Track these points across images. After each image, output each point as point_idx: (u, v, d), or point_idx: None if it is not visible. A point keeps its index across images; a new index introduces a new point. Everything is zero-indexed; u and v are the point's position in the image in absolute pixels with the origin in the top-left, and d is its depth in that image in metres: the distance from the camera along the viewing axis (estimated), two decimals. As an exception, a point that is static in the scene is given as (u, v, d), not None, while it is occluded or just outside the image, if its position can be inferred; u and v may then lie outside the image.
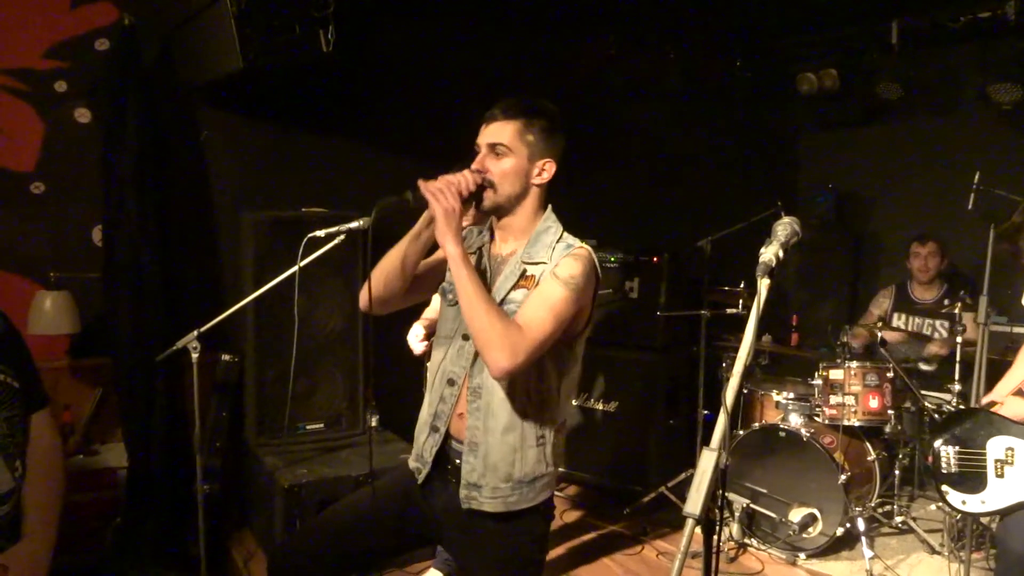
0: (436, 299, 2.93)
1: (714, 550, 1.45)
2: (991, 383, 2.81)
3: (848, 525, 3.37)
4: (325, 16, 3.02)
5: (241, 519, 3.58)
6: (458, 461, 1.81)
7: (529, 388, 1.77)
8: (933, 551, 3.51)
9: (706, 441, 1.36)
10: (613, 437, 4.17)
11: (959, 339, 3.49)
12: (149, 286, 3.26)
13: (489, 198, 1.79)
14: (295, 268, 2.63)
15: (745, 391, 4.01)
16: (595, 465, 4.21)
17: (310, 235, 2.59)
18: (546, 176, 1.82)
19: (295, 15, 3.00)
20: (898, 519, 3.73)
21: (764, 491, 3.49)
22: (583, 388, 4.22)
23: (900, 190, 5.20)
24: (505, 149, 1.77)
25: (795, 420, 3.66)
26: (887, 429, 3.63)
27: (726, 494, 3.44)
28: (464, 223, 2.68)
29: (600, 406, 4.20)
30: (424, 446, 1.88)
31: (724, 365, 4.18)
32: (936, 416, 3.78)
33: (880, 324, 3.86)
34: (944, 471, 2.58)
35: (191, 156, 3.62)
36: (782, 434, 3.52)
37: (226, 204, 3.68)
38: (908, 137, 5.12)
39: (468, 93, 3.80)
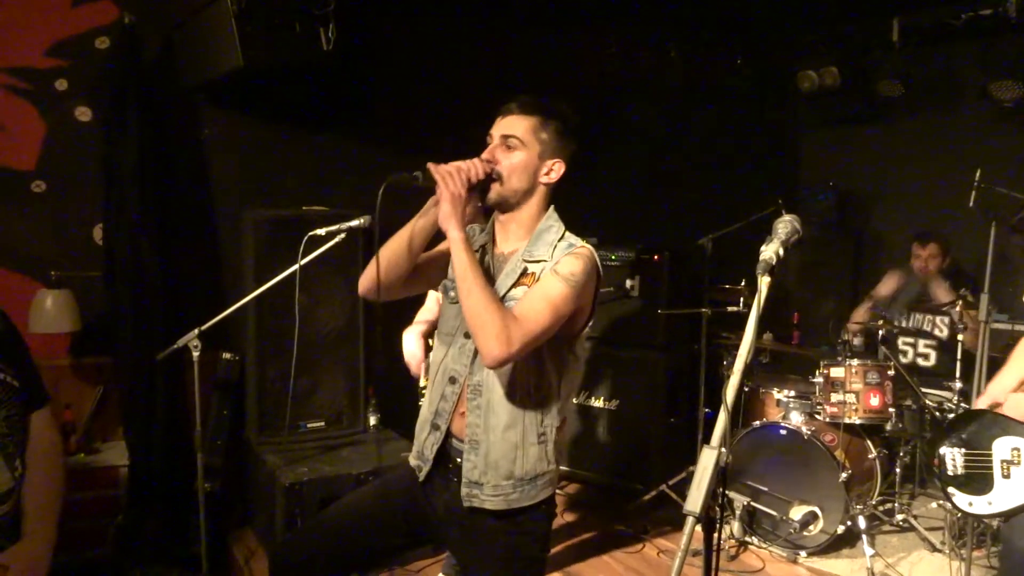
0: (430, 300, 2.94)
1: (715, 548, 1.45)
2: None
3: (849, 523, 3.37)
4: (325, 14, 3.02)
5: (242, 517, 3.58)
6: (459, 459, 1.81)
7: (529, 386, 1.77)
8: (934, 549, 3.51)
9: (707, 439, 1.36)
10: (614, 435, 4.17)
11: (960, 337, 3.48)
12: (150, 284, 3.27)
13: (495, 190, 1.79)
14: (296, 266, 2.64)
15: (746, 389, 4.01)
16: (596, 463, 4.21)
17: (311, 233, 2.61)
18: (554, 176, 1.82)
19: (295, 13, 3.00)
20: (899, 517, 3.73)
21: (765, 489, 3.49)
22: (584, 386, 4.22)
23: (901, 188, 5.20)
24: (517, 142, 1.77)
25: (796, 418, 3.66)
26: (888, 427, 3.63)
27: (727, 492, 3.45)
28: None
29: (601, 404, 4.20)
30: (425, 444, 1.88)
31: (725, 363, 4.18)
32: (937, 414, 3.78)
33: (881, 322, 3.85)
34: (950, 473, 2.58)
35: (192, 154, 3.62)
36: (783, 432, 3.52)
37: (227, 202, 3.68)
38: (909, 135, 5.11)
39: (468, 91, 3.81)
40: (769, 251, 1.48)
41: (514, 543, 1.80)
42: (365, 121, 3.97)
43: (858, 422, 3.56)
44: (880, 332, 3.80)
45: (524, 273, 1.79)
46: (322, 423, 3.57)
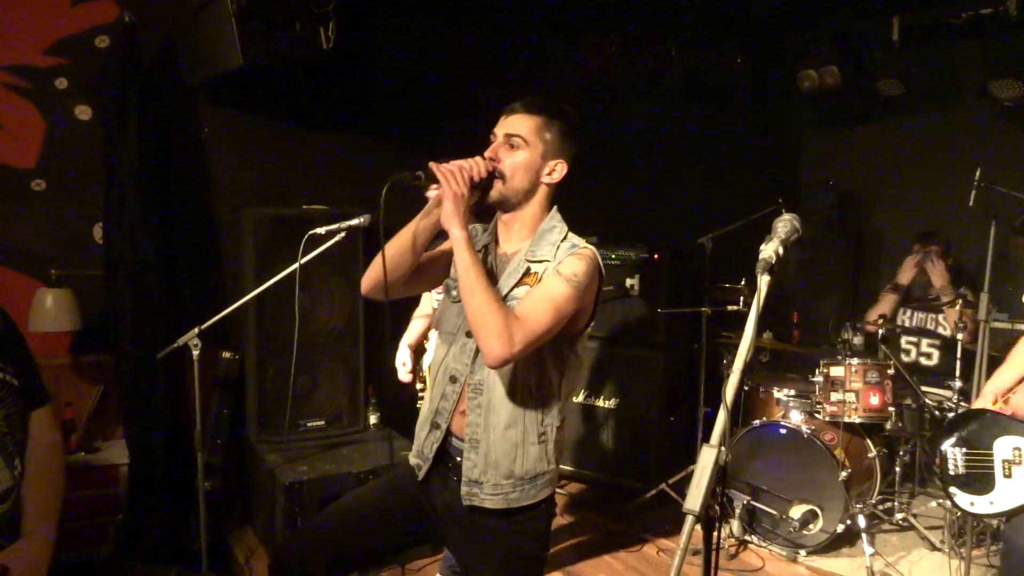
0: (425, 303, 2.95)
1: (714, 547, 1.45)
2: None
3: (849, 522, 3.37)
4: (325, 13, 3.02)
5: (242, 516, 3.58)
6: (459, 458, 1.81)
7: (530, 385, 1.77)
8: (934, 548, 3.51)
9: (706, 438, 1.36)
10: (614, 434, 4.17)
11: (959, 336, 3.48)
12: (150, 283, 3.27)
13: (498, 189, 1.78)
14: (296, 265, 2.64)
15: (746, 388, 4.01)
16: (596, 462, 4.21)
17: (311, 232, 2.60)
18: (556, 176, 1.82)
19: (295, 12, 2.99)
20: (899, 516, 3.73)
21: (764, 488, 3.49)
22: (584, 385, 4.22)
23: (901, 187, 5.19)
24: (521, 141, 1.77)
25: (796, 417, 3.66)
26: (888, 426, 3.63)
27: (726, 491, 3.45)
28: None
29: (601, 403, 4.20)
30: (425, 443, 1.88)
31: (725, 362, 4.18)
32: (937, 413, 3.77)
33: (881, 320, 3.85)
34: (952, 473, 2.56)
35: (192, 153, 3.62)
36: (783, 431, 3.52)
37: (227, 201, 3.68)
38: (909, 134, 5.11)
39: (468, 90, 3.81)
40: (769, 250, 1.48)
41: (514, 542, 1.80)
42: (365, 120, 3.97)
43: (858, 421, 3.55)
44: (880, 331, 3.80)
45: (527, 273, 1.79)
46: (322, 422, 3.57)
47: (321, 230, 2.65)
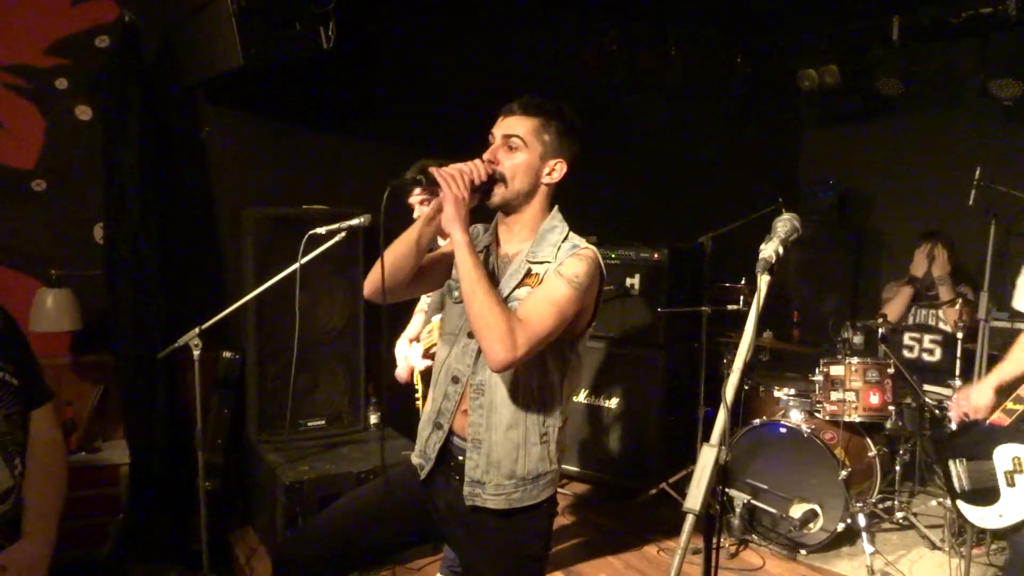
0: (417, 319, 2.94)
1: (715, 546, 1.45)
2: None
3: (849, 521, 3.37)
4: (325, 12, 3.02)
5: (243, 515, 3.59)
6: (461, 457, 1.81)
7: (532, 385, 1.77)
8: (934, 546, 3.51)
9: (706, 437, 1.36)
10: (614, 433, 4.17)
11: (959, 335, 3.48)
12: (150, 283, 3.27)
13: (498, 192, 1.78)
14: (296, 265, 2.63)
15: (746, 387, 4.01)
16: (596, 461, 4.21)
17: (311, 232, 2.60)
18: (556, 176, 1.82)
19: (295, 12, 2.99)
20: (899, 515, 3.73)
21: (765, 487, 3.49)
22: (584, 384, 4.22)
23: (901, 185, 5.19)
24: (520, 143, 1.77)
25: (796, 416, 3.66)
26: (888, 425, 3.63)
27: (727, 490, 3.45)
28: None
29: (601, 402, 4.20)
30: (427, 443, 1.88)
31: (725, 361, 4.18)
32: (937, 411, 3.78)
33: (881, 321, 3.85)
34: (957, 488, 2.52)
35: (192, 153, 3.62)
36: (783, 430, 3.52)
37: (227, 201, 3.68)
38: (909, 133, 5.11)
39: (468, 89, 3.80)
40: (769, 250, 1.48)
41: (516, 541, 1.81)
42: (365, 119, 3.97)
43: (858, 420, 3.56)
44: (880, 330, 3.80)
45: (528, 274, 1.78)
46: (322, 421, 3.58)
47: (321, 230, 2.65)
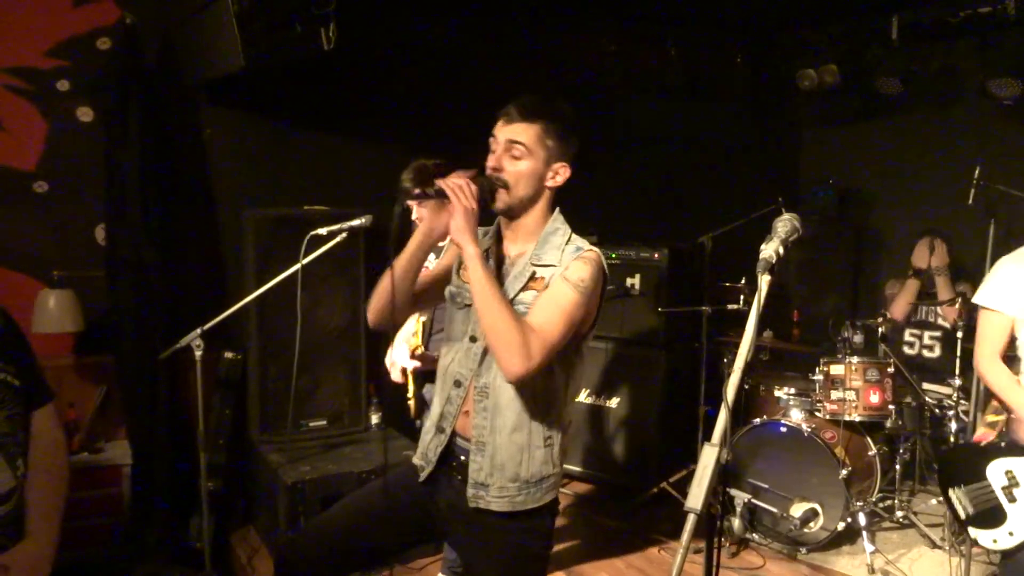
0: (411, 323, 2.94)
1: (716, 545, 1.45)
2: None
3: (849, 520, 3.37)
4: (326, 14, 3.02)
5: (245, 516, 3.59)
6: (463, 458, 1.82)
7: (536, 388, 1.76)
8: (934, 545, 3.51)
9: (707, 437, 1.36)
10: (615, 433, 4.17)
11: (959, 335, 3.48)
12: (152, 284, 3.27)
13: (502, 199, 1.77)
14: (297, 266, 2.64)
15: (746, 387, 4.01)
16: (597, 461, 4.21)
17: (312, 233, 2.61)
18: (559, 180, 1.82)
19: (296, 13, 2.99)
20: (899, 514, 3.73)
21: (765, 486, 3.49)
22: (585, 384, 4.22)
23: (901, 185, 5.19)
24: (524, 150, 1.76)
25: (796, 415, 3.66)
26: (888, 424, 3.63)
27: (727, 489, 3.45)
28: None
29: (602, 402, 4.20)
30: (429, 446, 1.88)
31: (725, 361, 4.18)
32: (937, 410, 3.77)
33: (881, 320, 3.85)
34: (963, 515, 2.43)
35: (193, 154, 3.62)
36: (783, 429, 3.52)
37: (228, 202, 3.68)
38: (909, 132, 5.11)
39: (468, 89, 3.81)
40: (769, 250, 1.48)
41: (518, 541, 1.81)
42: (366, 120, 3.97)
43: (858, 419, 3.56)
44: (880, 329, 3.80)
45: (532, 277, 1.78)
46: (324, 422, 3.58)
47: (322, 231, 2.65)
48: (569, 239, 1.82)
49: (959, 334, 3.47)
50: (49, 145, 3.31)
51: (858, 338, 3.79)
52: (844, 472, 3.33)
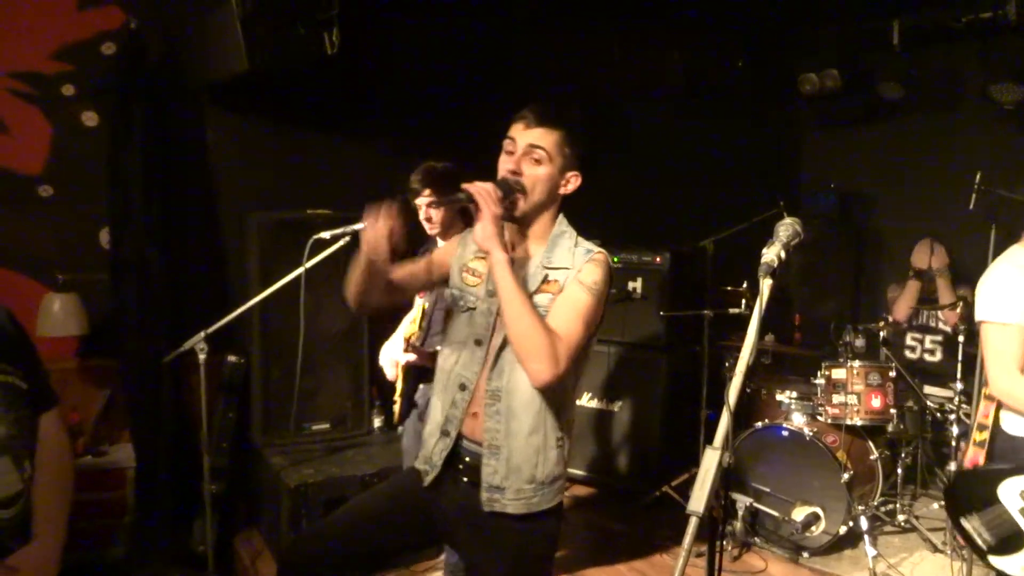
0: (406, 322, 2.94)
1: (717, 549, 1.46)
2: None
3: (851, 524, 3.37)
4: (330, 18, 3.03)
5: (248, 518, 3.59)
6: (468, 459, 1.82)
7: (552, 390, 1.77)
8: (936, 549, 3.51)
9: (709, 440, 1.36)
10: (617, 436, 4.17)
11: (960, 339, 3.48)
12: (156, 287, 3.28)
13: (519, 205, 1.79)
14: (301, 269, 2.65)
15: (748, 391, 4.01)
16: (599, 464, 4.21)
17: (315, 236, 2.61)
18: (571, 188, 1.85)
19: (300, 17, 3.01)
20: (901, 517, 3.73)
21: (767, 490, 3.49)
22: (587, 388, 4.23)
23: (902, 189, 5.19)
24: (544, 156, 1.77)
25: (798, 419, 3.65)
26: (890, 428, 3.63)
27: (729, 493, 3.45)
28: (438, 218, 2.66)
29: (604, 406, 4.20)
30: (433, 450, 1.88)
31: (727, 364, 4.18)
32: (939, 414, 3.77)
33: (883, 324, 3.85)
34: (983, 546, 2.26)
35: (197, 158, 3.63)
36: (785, 433, 3.52)
37: (231, 205, 3.70)
38: (910, 137, 5.11)
39: (471, 93, 3.83)
40: (771, 253, 1.49)
41: (527, 543, 1.82)
42: (370, 124, 3.98)
43: (860, 423, 3.55)
44: (882, 333, 3.80)
45: (545, 280, 1.80)
46: (327, 425, 3.58)
47: (326, 234, 2.66)
48: (577, 242, 1.84)
49: (960, 338, 3.48)
50: (54, 149, 3.32)
51: (859, 342, 3.79)
52: (846, 476, 3.33)
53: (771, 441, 3.56)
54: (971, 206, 3.37)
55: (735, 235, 3.89)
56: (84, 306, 3.25)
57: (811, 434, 3.44)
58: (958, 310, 3.57)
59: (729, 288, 4.09)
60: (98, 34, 3.36)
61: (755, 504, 3.49)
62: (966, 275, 4.27)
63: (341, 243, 2.72)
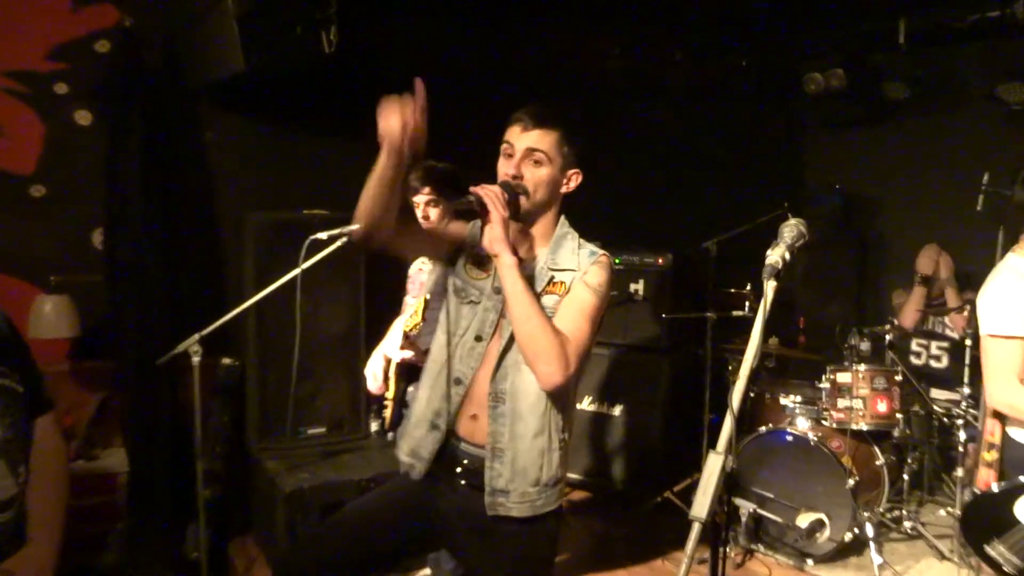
0: (394, 332, 2.94)
1: (720, 555, 1.46)
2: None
3: (856, 530, 3.38)
4: (327, 17, 3.04)
5: (243, 524, 3.59)
6: (467, 462, 1.83)
7: (556, 392, 1.79)
8: (943, 557, 3.51)
9: (712, 445, 1.37)
10: (617, 441, 4.18)
11: (968, 343, 3.49)
12: (151, 289, 3.29)
13: (523, 207, 1.82)
14: (297, 271, 2.65)
15: (751, 394, 4.02)
16: (599, 469, 4.22)
17: (312, 237, 2.62)
18: (572, 186, 1.88)
19: (297, 16, 3.02)
20: (907, 524, 3.73)
21: (771, 496, 3.49)
22: (587, 391, 4.23)
23: (908, 190, 5.20)
24: (544, 157, 1.80)
25: (802, 424, 3.66)
26: (896, 433, 3.64)
27: (733, 498, 3.46)
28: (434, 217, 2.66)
29: (604, 410, 4.21)
30: (421, 443, 1.88)
31: (730, 368, 4.19)
32: (946, 419, 3.78)
33: (888, 327, 3.86)
34: (1013, 571, 2.22)
35: (193, 158, 3.64)
36: (789, 438, 3.52)
37: (228, 205, 3.70)
38: (916, 137, 5.12)
39: (470, 93, 3.83)
40: (775, 255, 1.49)
41: (529, 546, 1.84)
42: (367, 124, 3.96)
43: (865, 428, 3.56)
44: (888, 336, 3.81)
45: (551, 281, 1.83)
46: (323, 429, 3.58)
47: (323, 235, 2.66)
48: (580, 243, 1.87)
49: (968, 342, 3.49)
50: (47, 149, 3.33)
51: (865, 345, 3.80)
52: (851, 482, 3.33)
53: (775, 446, 3.56)
54: (978, 207, 3.38)
55: (738, 236, 3.90)
56: (76, 308, 3.24)
57: (816, 439, 3.45)
58: (965, 313, 3.58)
59: (732, 290, 4.11)
60: (92, 32, 3.36)
61: (759, 510, 3.50)
62: (973, 278, 4.29)
63: (338, 244, 2.72)
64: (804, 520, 3.39)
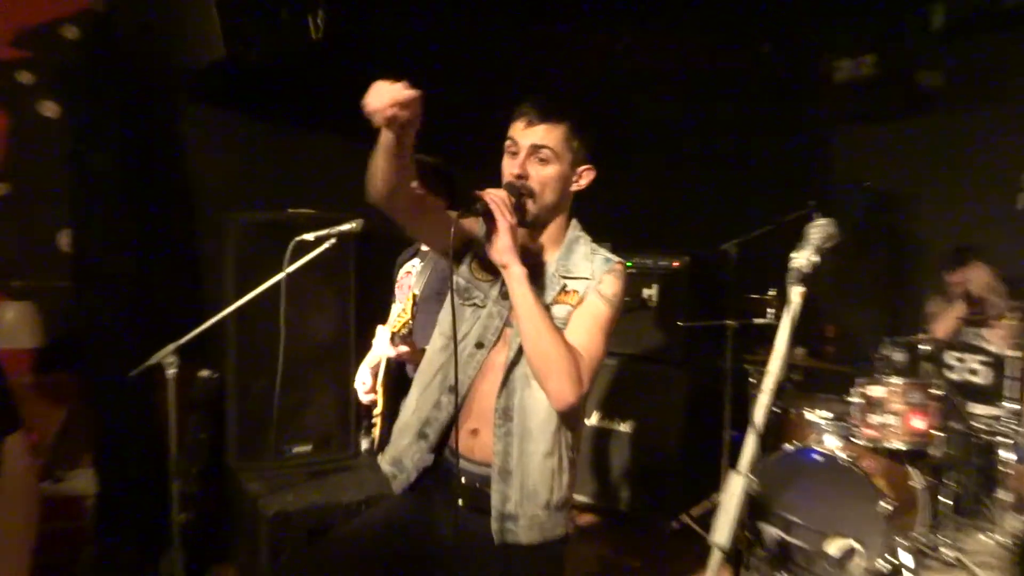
0: (380, 340, 2.92)
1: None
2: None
3: (890, 558, 3.35)
4: (314, 1, 3.05)
5: (221, 551, 3.58)
6: (465, 480, 1.82)
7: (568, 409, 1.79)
8: (986, 587, 3.49)
9: (733, 464, 1.36)
10: (630, 460, 4.17)
11: (1009, 352, 3.48)
12: (124, 295, 3.29)
13: (530, 209, 1.81)
14: (282, 274, 2.65)
15: (776, 410, 4.00)
16: (609, 490, 4.21)
17: (298, 238, 2.62)
18: (584, 183, 1.87)
19: (282, 0, 3.02)
20: (945, 551, 3.71)
21: (797, 520, 3.47)
22: (597, 406, 4.22)
23: (943, 188, 5.19)
24: (551, 154, 1.79)
25: (831, 442, 3.64)
26: (933, 452, 3.62)
27: (756, 523, 3.44)
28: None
29: (614, 426, 4.20)
30: (406, 452, 1.88)
31: (753, 381, 4.17)
32: (986, 436, 3.75)
33: (924, 337, 3.85)
34: None
35: (169, 153, 3.64)
36: (817, 457, 3.51)
37: (208, 205, 3.70)
38: (952, 130, 5.12)
39: (466, 86, 3.83)
40: (801, 258, 1.49)
41: (535, 569, 1.82)
42: (357, 119, 3.96)
43: (900, 446, 3.54)
44: (924, 347, 3.79)
45: (563, 290, 1.82)
46: (309, 447, 3.58)
47: (309, 236, 2.66)
48: (593, 248, 1.88)
49: (1011, 353, 3.46)
50: (10, 143, 3.33)
51: (899, 356, 3.78)
52: (884, 505, 3.32)
53: (802, 466, 3.55)
54: (1020, 206, 3.37)
55: (761, 237, 3.89)
56: (40, 315, 3.24)
57: (846, 458, 3.43)
58: (1014, 322, 3.56)
59: (755, 296, 4.09)
60: (58, 17, 3.36)
61: (784, 536, 3.48)
62: (1017, 283, 4.27)
63: (326, 245, 2.73)
64: (833, 547, 3.37)
